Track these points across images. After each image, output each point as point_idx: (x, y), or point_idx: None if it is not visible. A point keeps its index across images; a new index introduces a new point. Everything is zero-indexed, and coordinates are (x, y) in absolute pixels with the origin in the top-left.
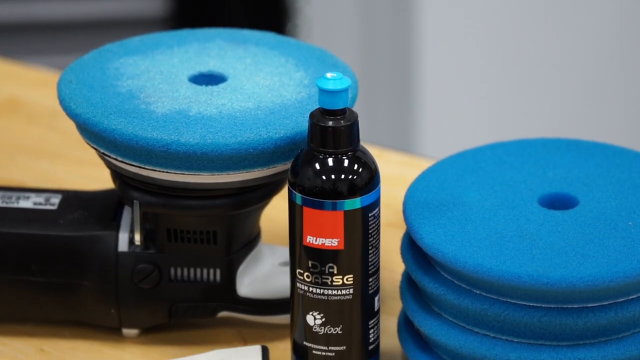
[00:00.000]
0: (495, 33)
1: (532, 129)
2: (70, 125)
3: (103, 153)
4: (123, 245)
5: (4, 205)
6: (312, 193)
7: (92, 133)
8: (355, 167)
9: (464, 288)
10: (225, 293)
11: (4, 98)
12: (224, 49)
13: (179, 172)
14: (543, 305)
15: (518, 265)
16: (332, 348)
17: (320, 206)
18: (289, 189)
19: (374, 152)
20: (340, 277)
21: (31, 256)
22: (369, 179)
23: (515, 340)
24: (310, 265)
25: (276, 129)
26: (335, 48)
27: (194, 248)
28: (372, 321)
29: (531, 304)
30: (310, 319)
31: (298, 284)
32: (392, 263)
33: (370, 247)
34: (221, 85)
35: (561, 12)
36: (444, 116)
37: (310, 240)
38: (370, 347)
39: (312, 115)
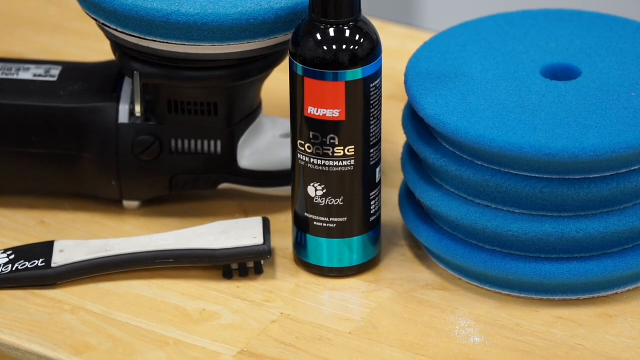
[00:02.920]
0: None
1: (534, 0)
2: None
3: (103, 24)
4: (123, 116)
5: (4, 76)
6: (314, 63)
7: (91, 3)
8: (357, 37)
9: (466, 159)
10: (226, 165)
11: None
12: None
13: (180, 43)
14: (545, 176)
15: (520, 136)
16: (333, 219)
17: (321, 77)
18: (290, 59)
19: (376, 24)
20: (342, 148)
21: (31, 128)
22: (371, 49)
23: (517, 211)
24: (311, 136)
25: None
26: None
27: (194, 119)
28: (373, 193)
29: (533, 175)
30: (311, 191)
31: (299, 156)
32: (393, 135)
33: (371, 118)
34: None
35: None
36: None
37: (312, 111)
38: (372, 219)
39: None
